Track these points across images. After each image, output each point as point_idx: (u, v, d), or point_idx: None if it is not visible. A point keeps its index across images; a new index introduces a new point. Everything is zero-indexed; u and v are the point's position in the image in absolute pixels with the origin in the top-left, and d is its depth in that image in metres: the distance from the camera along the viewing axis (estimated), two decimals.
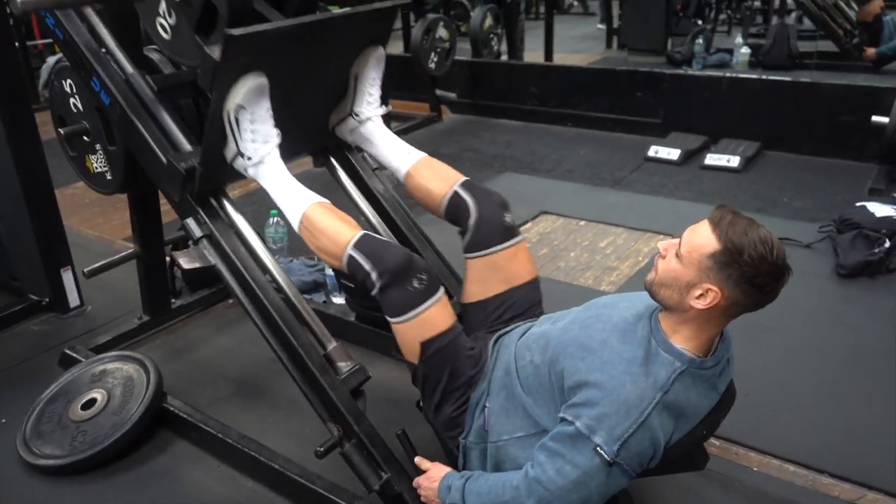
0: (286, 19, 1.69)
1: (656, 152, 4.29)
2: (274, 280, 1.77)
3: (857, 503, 1.76)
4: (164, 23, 1.76)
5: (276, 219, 2.95)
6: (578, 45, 7.92)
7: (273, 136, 1.65)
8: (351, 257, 1.55)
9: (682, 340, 1.33)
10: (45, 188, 2.65)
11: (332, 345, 1.73)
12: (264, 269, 1.76)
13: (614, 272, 2.94)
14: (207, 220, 1.73)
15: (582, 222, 3.41)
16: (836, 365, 2.28)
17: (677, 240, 1.32)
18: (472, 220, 1.71)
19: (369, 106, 1.89)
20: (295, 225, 1.66)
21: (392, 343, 2.36)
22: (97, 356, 2.26)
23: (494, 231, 1.71)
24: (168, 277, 2.66)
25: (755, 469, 1.87)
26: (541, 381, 1.45)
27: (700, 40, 6.57)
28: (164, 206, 2.34)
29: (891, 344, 2.38)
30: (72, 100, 2.15)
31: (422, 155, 1.87)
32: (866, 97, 4.00)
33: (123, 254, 2.47)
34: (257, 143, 1.63)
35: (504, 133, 5.04)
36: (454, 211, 1.76)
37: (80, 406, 2.07)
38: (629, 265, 2.99)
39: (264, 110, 1.62)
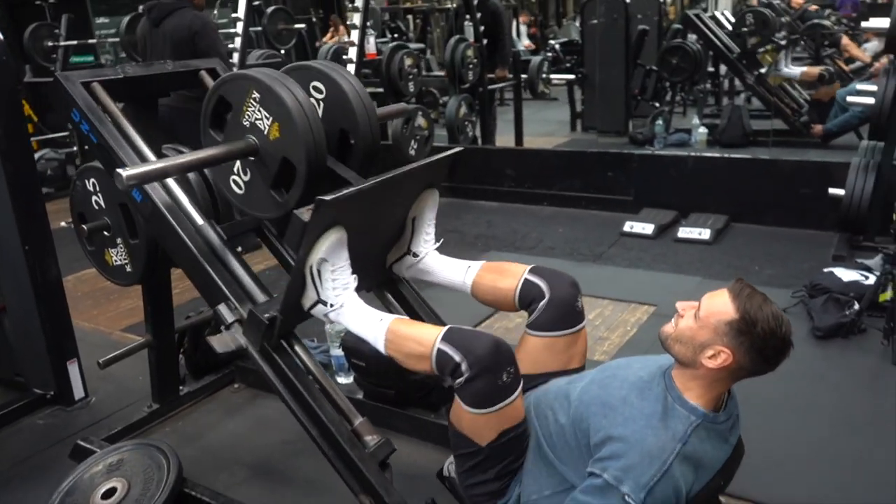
0: (363, 179, 1.78)
1: (631, 227, 4.52)
2: (301, 359, 1.86)
3: None
4: (238, 179, 1.87)
5: None
6: (545, 128, 8.31)
7: (352, 281, 1.72)
8: (440, 350, 1.54)
9: (695, 397, 1.46)
10: (55, 281, 2.73)
11: (358, 420, 1.81)
12: (293, 348, 1.86)
13: (606, 342, 3.08)
14: (238, 305, 1.83)
15: None
16: (821, 421, 2.42)
17: (696, 302, 1.47)
18: (544, 301, 1.76)
19: (426, 244, 1.97)
20: (381, 345, 1.67)
21: (402, 420, 2.43)
22: (112, 446, 2.29)
23: (565, 313, 1.76)
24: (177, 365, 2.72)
25: None
26: (566, 440, 1.55)
27: (660, 121, 6.96)
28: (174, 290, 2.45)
29: (869, 400, 2.54)
30: (94, 198, 2.27)
31: (481, 263, 1.95)
32: (821, 171, 4.30)
33: (136, 343, 2.53)
34: (338, 290, 1.69)
35: (484, 214, 5.26)
36: (527, 296, 1.80)
37: (99, 496, 2.08)
38: (619, 335, 3.13)
39: (343, 260, 1.69)
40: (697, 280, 3.63)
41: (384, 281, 2.11)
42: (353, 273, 1.74)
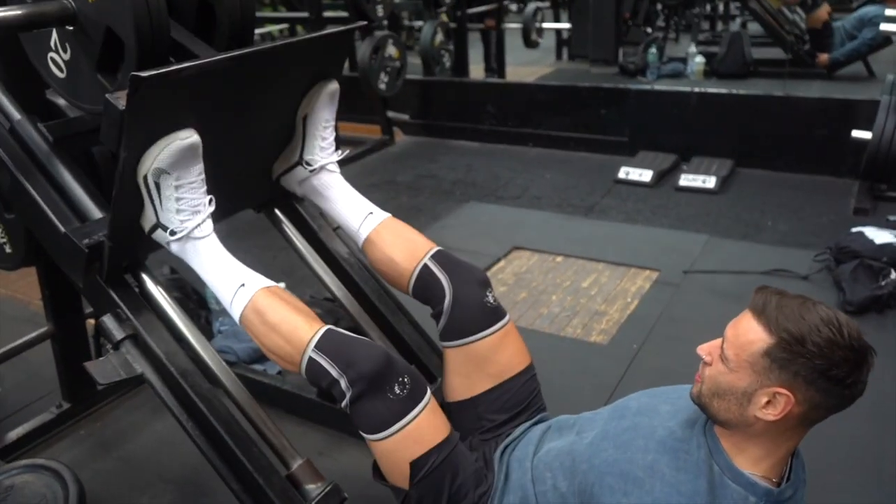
0: (215, 54, 1.37)
1: (627, 174, 4.05)
2: (220, 384, 1.41)
3: None
4: (58, 58, 1.42)
5: None
6: (528, 56, 7.69)
7: (204, 205, 1.32)
8: (312, 360, 1.25)
9: (751, 463, 1.05)
10: None
11: (297, 462, 1.39)
12: (207, 372, 1.41)
13: (603, 318, 2.65)
14: (130, 315, 1.37)
15: (559, 258, 3.13)
16: (857, 418, 2.03)
17: (719, 340, 1.06)
18: (446, 303, 1.42)
19: (322, 152, 1.59)
20: (236, 315, 1.34)
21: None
22: (2, 467, 1.85)
23: (475, 314, 1.44)
24: (92, 353, 2.26)
25: None
26: None
27: (653, 49, 6.41)
28: None
29: None
30: None
31: (385, 216, 1.57)
32: (842, 110, 3.85)
33: (33, 335, 2.07)
34: (183, 213, 1.30)
35: (463, 156, 4.74)
36: (424, 289, 1.48)
37: None
38: (618, 308, 2.71)
39: (195, 175, 1.29)
40: (704, 238, 3.17)
41: (274, 199, 1.70)
42: (215, 193, 1.33)
